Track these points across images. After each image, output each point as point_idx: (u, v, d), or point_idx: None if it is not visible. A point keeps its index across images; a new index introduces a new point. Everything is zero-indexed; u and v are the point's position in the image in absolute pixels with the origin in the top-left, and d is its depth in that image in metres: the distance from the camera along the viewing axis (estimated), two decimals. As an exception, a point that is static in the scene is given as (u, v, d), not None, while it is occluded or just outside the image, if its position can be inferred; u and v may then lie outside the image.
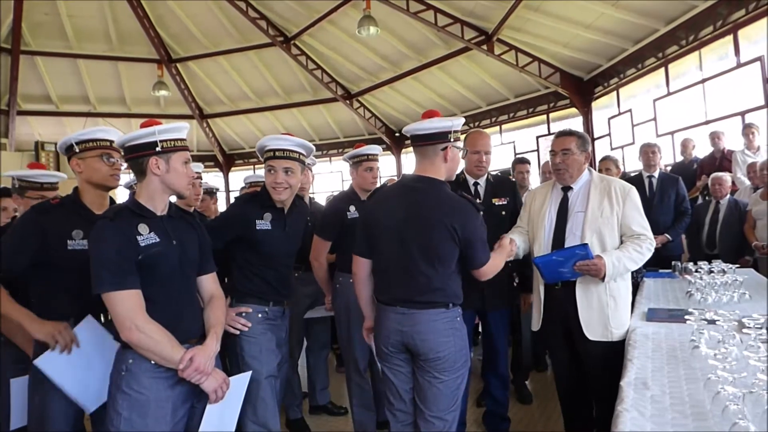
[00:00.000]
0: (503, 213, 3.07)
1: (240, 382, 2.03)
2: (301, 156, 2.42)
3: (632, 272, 2.69)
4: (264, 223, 2.38)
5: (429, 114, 2.27)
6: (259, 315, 2.41)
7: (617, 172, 4.25)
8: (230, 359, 2.43)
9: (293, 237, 2.54)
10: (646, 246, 2.50)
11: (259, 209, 2.41)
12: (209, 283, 2.07)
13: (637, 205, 2.55)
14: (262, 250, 2.40)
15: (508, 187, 3.19)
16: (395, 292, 2.21)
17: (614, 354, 2.39)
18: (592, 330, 2.50)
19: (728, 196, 4.86)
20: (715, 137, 5.79)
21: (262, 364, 2.36)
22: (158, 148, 1.83)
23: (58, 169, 9.96)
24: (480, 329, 3.44)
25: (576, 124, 9.80)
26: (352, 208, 3.09)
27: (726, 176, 4.91)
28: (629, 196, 2.54)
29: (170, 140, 1.86)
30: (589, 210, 2.55)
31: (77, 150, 2.14)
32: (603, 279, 2.43)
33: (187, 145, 1.95)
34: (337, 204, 3.20)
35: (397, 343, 2.20)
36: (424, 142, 2.22)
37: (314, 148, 2.53)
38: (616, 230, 2.53)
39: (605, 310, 2.49)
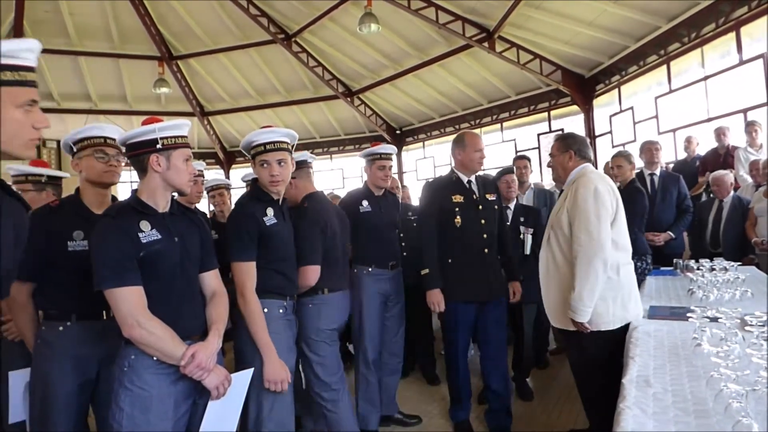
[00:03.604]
0: (495, 207, 3.34)
1: (242, 379, 2.02)
2: (289, 146, 2.44)
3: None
4: (270, 219, 2.38)
5: None
6: (280, 311, 2.39)
7: (631, 167, 4.16)
8: (245, 355, 2.34)
9: (291, 226, 2.57)
10: (579, 258, 2.44)
11: (261, 206, 2.41)
12: (211, 280, 2.06)
13: (584, 205, 2.48)
14: (275, 245, 2.39)
15: (492, 184, 3.45)
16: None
17: (588, 342, 2.51)
18: (553, 316, 2.66)
19: (732, 193, 4.82)
20: (720, 133, 5.74)
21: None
22: (159, 146, 1.83)
23: (60, 166, 9.99)
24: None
25: (577, 121, 9.80)
26: (365, 203, 3.33)
27: (725, 176, 4.85)
28: (577, 193, 2.53)
29: (171, 137, 1.85)
30: (553, 209, 2.74)
31: (75, 150, 2.17)
32: (584, 325, 2.48)
33: (188, 143, 1.94)
34: (351, 198, 3.43)
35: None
36: None
37: (297, 136, 2.54)
38: (565, 229, 2.55)
39: (565, 296, 2.53)
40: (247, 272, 2.29)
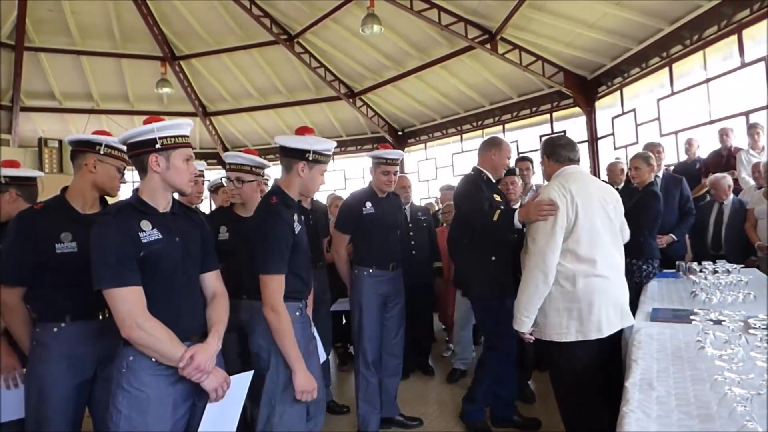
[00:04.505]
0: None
1: (241, 381, 2.01)
2: None
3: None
4: (297, 225, 2.35)
5: None
6: (296, 313, 2.36)
7: (649, 169, 4.04)
8: (261, 359, 2.30)
9: (306, 229, 2.57)
10: (525, 267, 2.50)
11: (290, 212, 2.35)
12: (212, 281, 2.06)
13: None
14: (300, 250, 2.36)
15: None
16: None
17: (552, 352, 2.51)
18: None
19: (732, 196, 4.81)
20: (723, 134, 5.73)
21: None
22: (158, 145, 1.82)
23: (61, 165, 9.98)
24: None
25: (579, 123, 9.79)
26: (369, 204, 3.33)
27: (723, 179, 4.84)
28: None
29: (170, 137, 1.84)
30: None
31: (102, 152, 2.16)
32: (526, 332, 2.52)
33: (189, 142, 1.92)
34: (354, 200, 3.43)
35: None
36: None
37: None
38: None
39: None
40: (281, 285, 2.23)
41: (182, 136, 1.88)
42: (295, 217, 2.36)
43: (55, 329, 2.09)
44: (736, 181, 5.43)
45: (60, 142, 10.09)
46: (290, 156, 2.35)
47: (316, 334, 2.56)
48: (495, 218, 2.95)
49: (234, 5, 10.39)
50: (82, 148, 2.19)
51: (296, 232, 2.32)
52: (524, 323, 2.49)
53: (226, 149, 14.54)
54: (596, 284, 2.40)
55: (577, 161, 2.67)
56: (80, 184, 2.20)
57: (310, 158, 2.32)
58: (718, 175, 4.92)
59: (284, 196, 2.34)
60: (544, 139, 2.99)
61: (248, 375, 2.06)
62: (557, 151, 2.64)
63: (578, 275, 2.40)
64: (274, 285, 2.21)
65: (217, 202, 3.97)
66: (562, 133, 9.60)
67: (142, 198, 1.86)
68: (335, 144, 2.47)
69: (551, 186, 2.52)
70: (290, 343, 2.20)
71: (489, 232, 3.11)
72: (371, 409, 3.32)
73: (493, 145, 3.29)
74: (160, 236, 1.82)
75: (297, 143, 2.34)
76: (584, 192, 2.48)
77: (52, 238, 2.09)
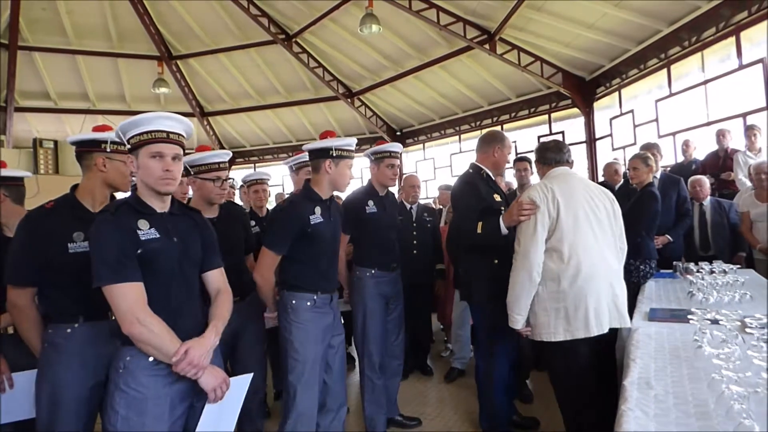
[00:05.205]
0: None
1: (240, 383, 2.00)
2: None
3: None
4: (317, 217, 2.53)
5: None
6: (308, 303, 2.53)
7: (648, 170, 3.98)
8: (279, 345, 2.60)
9: (336, 224, 2.70)
10: (513, 268, 2.57)
11: (311, 205, 2.55)
12: (216, 278, 2.04)
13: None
14: (317, 242, 2.54)
15: None
16: None
17: (547, 352, 2.58)
18: None
19: (709, 197, 4.87)
20: (720, 135, 5.77)
21: (308, 350, 2.49)
22: (128, 146, 1.80)
23: (56, 166, 9.93)
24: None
25: (577, 124, 9.81)
26: (371, 203, 3.28)
27: (704, 178, 4.90)
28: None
29: (136, 135, 1.79)
30: None
31: (108, 149, 2.13)
32: (520, 329, 2.60)
33: (159, 136, 1.79)
34: (355, 199, 3.32)
35: None
36: None
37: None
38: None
39: None
40: (273, 261, 2.54)
41: (149, 132, 1.79)
42: (318, 210, 2.55)
43: (69, 330, 2.05)
44: (733, 182, 5.46)
45: (55, 142, 10.03)
46: (317, 157, 2.56)
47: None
48: (479, 230, 2.84)
49: (231, 4, 10.39)
50: (88, 148, 2.15)
51: (312, 223, 2.50)
52: (517, 321, 2.57)
53: (224, 149, 14.49)
54: (581, 283, 2.43)
55: (565, 162, 2.73)
56: (90, 183, 2.16)
57: (334, 155, 2.52)
58: (698, 176, 4.98)
59: (310, 191, 2.57)
60: (536, 145, 3.06)
61: (248, 377, 2.05)
62: (544, 154, 2.76)
63: (563, 274, 2.45)
64: (267, 259, 2.52)
65: (244, 200, 4.04)
66: (555, 138, 9.65)
67: (140, 197, 1.85)
68: (356, 140, 2.66)
69: (533, 187, 2.62)
70: (266, 296, 2.62)
71: (477, 242, 2.99)
72: (378, 410, 3.31)
73: (495, 140, 3.05)
74: (158, 236, 1.80)
75: (320, 144, 2.56)
76: (567, 191, 2.53)
77: (64, 237, 2.05)
